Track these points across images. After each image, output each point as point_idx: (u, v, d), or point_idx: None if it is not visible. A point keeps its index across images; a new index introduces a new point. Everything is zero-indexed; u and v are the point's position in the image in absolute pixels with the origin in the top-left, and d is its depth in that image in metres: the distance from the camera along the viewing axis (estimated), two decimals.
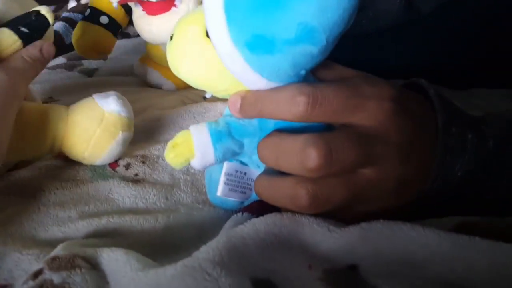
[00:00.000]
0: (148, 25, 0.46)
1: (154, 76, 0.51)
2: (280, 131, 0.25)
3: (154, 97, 0.49)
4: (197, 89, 0.28)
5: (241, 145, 0.27)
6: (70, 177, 0.34)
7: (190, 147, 0.26)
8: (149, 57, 0.52)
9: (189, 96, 0.49)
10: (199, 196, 0.32)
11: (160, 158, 0.36)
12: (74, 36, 0.49)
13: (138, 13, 0.47)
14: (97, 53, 0.51)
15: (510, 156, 0.26)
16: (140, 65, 0.52)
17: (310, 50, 0.22)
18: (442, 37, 0.62)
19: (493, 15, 0.56)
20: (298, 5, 0.20)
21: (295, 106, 0.23)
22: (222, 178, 0.28)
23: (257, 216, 0.26)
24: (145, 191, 0.32)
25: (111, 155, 0.35)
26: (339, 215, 0.25)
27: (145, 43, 0.53)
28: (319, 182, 0.23)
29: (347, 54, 0.55)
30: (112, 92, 0.36)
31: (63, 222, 0.29)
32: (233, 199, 0.28)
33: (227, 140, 0.26)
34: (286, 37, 0.21)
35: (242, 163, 0.28)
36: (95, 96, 0.35)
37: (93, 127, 0.34)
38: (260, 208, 0.27)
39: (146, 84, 0.53)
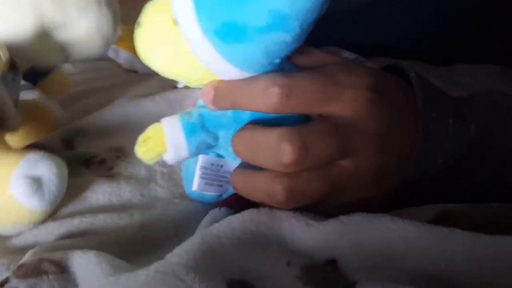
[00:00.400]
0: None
1: (129, 59, 0.49)
2: (255, 123, 0.24)
3: (130, 83, 0.47)
4: None
5: (216, 138, 0.26)
6: None
7: (162, 141, 0.25)
8: (123, 39, 0.50)
9: (166, 80, 0.48)
10: (176, 190, 0.31)
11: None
12: None
13: None
14: None
15: (493, 140, 0.26)
16: (114, 48, 0.50)
17: (284, 38, 0.21)
18: (426, 10, 0.62)
19: None
20: None
21: (269, 97, 0.22)
22: (197, 172, 0.27)
23: (235, 211, 0.25)
24: (120, 187, 0.31)
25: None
26: (318, 207, 0.24)
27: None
28: (295, 176, 0.22)
29: (333, 32, 0.55)
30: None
31: (34, 225, 0.28)
32: (210, 193, 0.28)
33: (201, 133, 0.25)
34: (257, 25, 0.20)
35: (218, 155, 0.28)
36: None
37: None
38: (238, 201, 0.26)
39: (121, 68, 0.51)
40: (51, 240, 0.27)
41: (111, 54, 0.51)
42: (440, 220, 0.23)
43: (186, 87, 0.44)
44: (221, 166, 0.28)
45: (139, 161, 0.34)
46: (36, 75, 0.37)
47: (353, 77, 0.23)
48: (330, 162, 0.23)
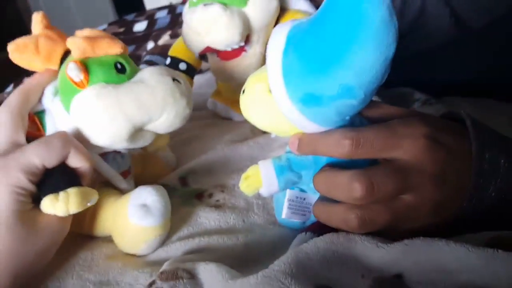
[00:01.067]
0: (223, 68, 0.53)
1: (225, 110, 0.58)
2: (331, 166, 0.31)
3: (227, 128, 0.56)
4: None
5: (300, 176, 0.33)
6: None
7: (258, 178, 0.33)
8: (219, 93, 0.60)
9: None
10: (270, 218, 0.39)
11: (236, 186, 0.43)
12: None
13: (213, 59, 0.54)
14: None
15: None
16: (212, 101, 0.60)
17: (351, 102, 0.27)
18: (496, 51, 0.63)
19: None
20: (339, 71, 0.26)
21: (341, 147, 0.28)
22: (285, 203, 0.34)
23: (318, 235, 0.31)
24: (226, 215, 0.39)
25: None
26: (386, 233, 0.30)
27: (216, 80, 0.61)
28: (365, 208, 0.28)
29: (404, 74, 0.59)
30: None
31: (166, 244, 0.36)
32: (295, 220, 0.35)
33: (288, 173, 0.33)
34: (330, 94, 0.27)
35: (301, 190, 0.34)
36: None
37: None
38: (320, 227, 0.33)
39: (219, 115, 0.61)
40: (178, 255, 0.35)
41: (210, 106, 0.60)
42: (492, 245, 0.27)
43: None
44: (304, 198, 0.35)
45: (239, 194, 0.42)
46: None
47: (411, 128, 0.29)
48: (393, 196, 0.28)
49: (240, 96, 0.34)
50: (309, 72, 0.27)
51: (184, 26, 0.48)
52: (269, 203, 0.41)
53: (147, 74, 0.37)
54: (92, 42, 0.35)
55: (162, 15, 1.05)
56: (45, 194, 0.32)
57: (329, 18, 0.25)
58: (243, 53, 0.51)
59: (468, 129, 0.30)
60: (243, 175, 0.34)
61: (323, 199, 0.32)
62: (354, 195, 0.28)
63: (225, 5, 0.46)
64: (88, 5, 2.82)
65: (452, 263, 0.26)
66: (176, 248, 0.36)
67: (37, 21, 0.39)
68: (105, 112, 0.34)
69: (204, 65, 0.78)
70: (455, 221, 0.30)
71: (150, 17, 1.06)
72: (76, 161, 0.34)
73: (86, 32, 0.37)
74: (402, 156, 0.29)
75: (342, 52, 0.25)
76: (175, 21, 0.97)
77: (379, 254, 0.28)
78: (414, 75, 0.68)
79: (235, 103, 0.59)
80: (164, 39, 0.86)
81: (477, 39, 0.65)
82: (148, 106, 0.35)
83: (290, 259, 0.28)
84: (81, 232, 0.38)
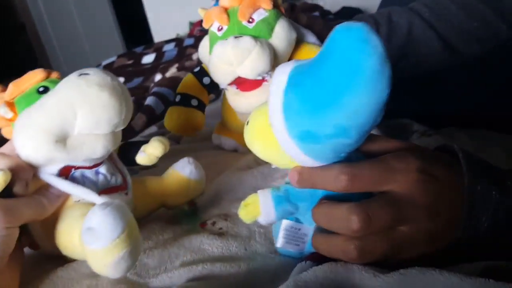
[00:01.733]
0: (247, 99, 0.55)
1: (230, 143, 0.60)
2: (329, 198, 0.32)
3: (232, 158, 0.58)
4: None
5: (297, 207, 0.34)
6: (169, 234, 0.43)
7: (257, 207, 0.34)
8: (224, 126, 0.62)
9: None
10: (271, 247, 0.39)
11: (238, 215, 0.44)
12: (171, 119, 0.58)
13: (232, 91, 0.56)
14: (192, 130, 0.60)
15: None
16: (216, 136, 0.62)
17: (345, 141, 0.29)
18: (495, 84, 0.65)
19: None
20: (333, 113, 0.27)
21: (339, 182, 0.30)
22: (280, 233, 0.36)
23: (317, 264, 0.32)
24: (229, 243, 0.40)
25: None
26: (382, 262, 0.31)
27: (220, 110, 0.63)
28: (363, 239, 0.30)
29: (404, 105, 0.61)
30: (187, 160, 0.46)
31: (170, 270, 0.37)
32: (289, 250, 0.36)
33: (285, 204, 0.34)
34: (326, 133, 0.28)
35: (297, 220, 0.36)
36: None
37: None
38: (319, 257, 0.34)
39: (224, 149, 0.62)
40: (182, 282, 0.36)
41: (214, 141, 0.62)
42: (486, 275, 0.28)
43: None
44: (299, 229, 0.36)
45: (241, 223, 0.43)
46: (130, 161, 0.45)
47: (404, 163, 0.30)
48: (390, 228, 0.30)
49: (245, 127, 0.36)
50: (306, 111, 0.28)
51: (214, 58, 0.51)
52: (271, 232, 0.41)
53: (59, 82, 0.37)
54: (16, 82, 0.39)
55: (169, 47, 1.09)
56: None
57: (325, 63, 0.27)
58: (264, 83, 0.54)
59: (461, 161, 0.32)
60: (243, 203, 0.35)
61: (320, 230, 0.33)
62: (352, 227, 0.29)
63: (254, 37, 0.50)
64: (98, 37, 2.91)
65: None
66: (179, 275, 0.36)
67: None
68: (22, 131, 0.36)
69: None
70: (450, 250, 0.31)
71: (158, 49, 1.10)
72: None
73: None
74: (396, 189, 0.30)
75: (336, 96, 0.27)
76: (182, 53, 1.01)
77: (376, 284, 0.29)
78: (413, 106, 0.69)
79: (240, 136, 0.61)
80: (172, 71, 0.89)
81: (477, 72, 0.67)
82: (55, 110, 0.35)
83: (290, 286, 0.29)
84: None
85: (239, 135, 0.60)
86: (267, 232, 0.42)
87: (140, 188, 0.45)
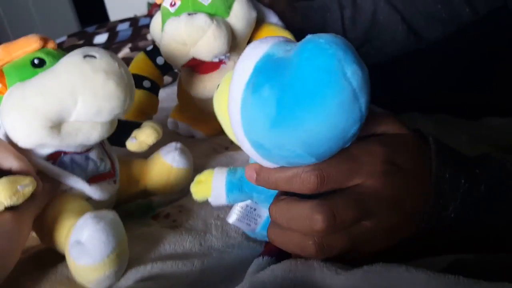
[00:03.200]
0: (202, 83, 0.51)
1: (186, 128, 0.57)
2: (288, 195, 0.29)
3: (188, 146, 0.55)
4: (225, 136, 0.32)
5: (250, 197, 0.32)
6: None
7: (208, 188, 0.32)
8: (180, 111, 0.58)
9: (217, 142, 0.55)
10: (229, 240, 0.37)
11: (195, 206, 0.41)
12: None
13: (188, 73, 0.51)
14: (144, 114, 0.53)
15: (501, 199, 0.29)
16: (172, 121, 0.58)
17: (301, 162, 0.26)
18: (451, 64, 0.65)
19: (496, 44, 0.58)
20: (287, 139, 0.24)
21: (307, 185, 0.27)
22: (234, 209, 0.34)
23: (276, 259, 0.30)
24: (182, 237, 0.37)
25: None
26: (344, 257, 0.29)
27: (178, 97, 0.59)
28: (334, 204, 0.27)
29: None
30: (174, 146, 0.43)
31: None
32: (240, 228, 0.34)
33: (237, 193, 0.32)
34: (279, 153, 0.25)
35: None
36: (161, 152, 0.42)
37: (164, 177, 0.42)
38: (276, 250, 0.31)
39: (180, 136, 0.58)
40: (129, 284, 0.33)
41: (170, 126, 0.58)
42: (452, 269, 0.26)
43: (235, 149, 0.51)
44: (254, 209, 0.33)
45: (196, 215, 0.40)
46: (119, 143, 0.41)
47: (369, 155, 0.28)
48: (352, 224, 0.27)
49: (215, 92, 0.31)
50: (260, 124, 0.24)
51: (165, 36, 0.46)
52: (229, 224, 0.39)
53: (60, 60, 0.33)
54: (6, 47, 0.34)
55: (124, 27, 1.03)
56: None
57: (293, 79, 0.23)
58: (222, 65, 0.50)
59: (430, 146, 0.30)
60: (196, 178, 0.33)
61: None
62: (315, 228, 0.26)
63: (210, 15, 0.45)
64: (50, 16, 2.75)
65: None
66: (126, 277, 0.33)
67: None
68: (13, 110, 0.32)
69: (166, 80, 0.76)
70: (416, 242, 0.29)
71: (112, 29, 1.03)
72: (4, 161, 0.32)
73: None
74: (362, 183, 0.28)
75: (295, 119, 0.23)
76: (137, 33, 0.95)
77: (339, 281, 0.27)
78: (376, 92, 0.68)
79: (197, 121, 0.57)
80: (124, 51, 0.83)
81: (438, 57, 0.66)
82: (55, 94, 0.31)
83: None
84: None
85: (196, 120, 0.56)
86: (224, 225, 0.39)
87: (124, 170, 0.42)
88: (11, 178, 0.30)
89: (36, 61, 0.34)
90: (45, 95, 0.32)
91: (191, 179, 0.34)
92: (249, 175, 0.29)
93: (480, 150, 0.35)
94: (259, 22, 0.52)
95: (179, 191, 0.44)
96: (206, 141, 0.55)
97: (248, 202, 0.33)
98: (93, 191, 0.36)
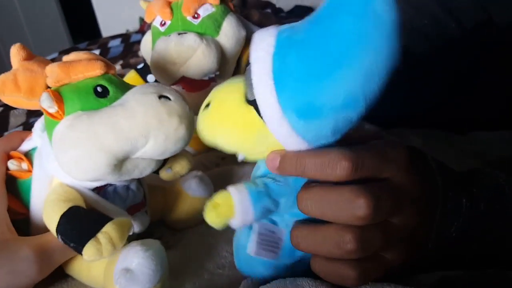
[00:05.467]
0: (192, 101, 0.49)
1: None
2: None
3: None
4: (215, 151, 0.31)
5: (278, 204, 0.28)
6: None
7: (230, 207, 0.27)
8: None
9: (208, 158, 0.55)
10: (219, 260, 0.37)
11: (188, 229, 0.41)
12: None
13: (178, 91, 0.51)
14: None
15: (496, 216, 0.29)
16: None
17: (351, 116, 0.24)
18: (437, 79, 0.66)
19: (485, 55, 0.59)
20: (347, 74, 0.23)
21: (340, 169, 0.25)
22: (254, 237, 0.29)
23: (263, 281, 0.30)
24: (174, 259, 0.36)
25: None
26: (368, 263, 0.27)
27: None
28: (362, 228, 0.25)
29: None
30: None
31: None
32: (263, 258, 0.30)
33: (266, 200, 0.28)
34: (333, 104, 0.24)
35: (271, 221, 0.30)
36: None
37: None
38: None
39: None
40: None
41: None
42: (440, 285, 0.26)
43: (225, 164, 0.51)
44: (273, 232, 0.30)
45: (190, 236, 0.40)
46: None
47: (397, 153, 0.27)
48: (389, 217, 0.26)
49: (201, 112, 0.30)
50: (312, 76, 0.24)
51: (155, 56, 0.46)
52: (221, 243, 0.39)
53: (130, 94, 0.32)
54: (66, 67, 0.32)
55: (115, 43, 1.03)
56: (80, 242, 0.29)
57: (336, 16, 0.23)
58: (212, 83, 0.50)
59: (431, 164, 0.29)
60: (210, 204, 0.28)
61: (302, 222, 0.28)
62: (358, 213, 0.24)
63: (200, 34, 0.46)
64: (42, 32, 2.75)
65: None
66: None
67: (14, 53, 0.34)
68: (78, 145, 0.30)
69: None
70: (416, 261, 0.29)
71: (103, 45, 1.03)
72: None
73: (72, 56, 0.34)
74: (391, 176, 0.27)
75: (353, 53, 0.23)
76: (128, 50, 0.95)
77: None
78: None
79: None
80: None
81: (425, 72, 0.67)
82: (127, 132, 0.30)
83: None
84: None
85: None
86: (216, 244, 0.39)
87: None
88: (118, 222, 0.30)
89: (99, 89, 0.32)
90: (118, 134, 0.30)
91: None
92: (271, 161, 0.27)
93: (468, 165, 0.35)
94: (248, 41, 0.52)
95: (196, 222, 0.41)
96: (195, 157, 0.55)
97: (266, 225, 0.30)
98: (134, 224, 0.35)
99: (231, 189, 0.28)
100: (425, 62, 0.62)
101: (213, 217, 0.28)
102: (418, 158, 0.29)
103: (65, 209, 0.30)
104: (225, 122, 0.28)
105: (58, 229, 0.30)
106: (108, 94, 0.32)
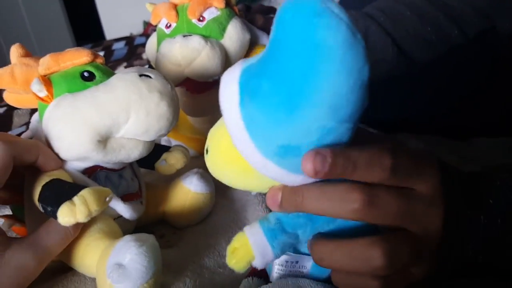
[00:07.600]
0: (196, 103, 0.51)
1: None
2: (323, 234, 0.27)
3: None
4: None
5: (296, 237, 0.28)
6: None
7: (248, 250, 0.27)
8: (174, 129, 0.58)
9: None
10: (220, 259, 0.37)
11: (188, 228, 0.41)
12: None
13: (182, 93, 0.51)
14: None
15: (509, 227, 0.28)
16: (166, 139, 0.58)
17: (339, 137, 0.23)
18: (440, 86, 0.66)
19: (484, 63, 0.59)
20: (310, 112, 0.22)
21: (349, 203, 0.23)
22: (274, 269, 0.30)
23: (265, 280, 0.30)
24: (175, 256, 0.37)
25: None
26: (393, 277, 0.26)
27: None
28: (391, 243, 0.25)
29: None
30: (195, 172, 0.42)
31: None
32: None
33: (282, 236, 0.27)
34: (310, 140, 0.23)
35: (295, 250, 0.29)
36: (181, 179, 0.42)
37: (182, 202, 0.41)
38: (264, 271, 0.31)
39: None
40: None
41: (164, 144, 0.59)
42: None
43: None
44: (297, 261, 0.30)
45: (190, 236, 0.40)
46: (148, 165, 0.41)
47: (428, 160, 0.26)
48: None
49: (205, 156, 0.29)
50: (276, 122, 0.22)
51: (160, 57, 0.47)
52: (221, 243, 0.39)
53: (114, 76, 0.34)
54: (56, 56, 0.34)
55: (119, 46, 1.04)
56: (56, 204, 0.29)
57: (282, 54, 0.22)
58: (216, 86, 0.50)
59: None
60: (229, 248, 0.28)
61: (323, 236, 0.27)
62: (373, 264, 0.24)
63: (204, 36, 0.46)
64: (46, 34, 2.77)
65: None
66: None
67: (13, 51, 0.37)
68: (62, 121, 0.32)
69: None
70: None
71: (107, 48, 1.04)
72: (48, 165, 0.32)
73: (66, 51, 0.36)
74: (419, 188, 0.25)
75: (308, 90, 0.21)
76: (132, 52, 0.96)
77: None
78: (365, 112, 0.69)
79: (190, 139, 0.58)
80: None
81: (428, 79, 0.67)
82: (108, 107, 0.31)
83: None
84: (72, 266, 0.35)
85: (190, 138, 0.57)
86: (215, 244, 0.39)
87: (147, 193, 0.41)
88: (96, 189, 0.30)
89: (86, 74, 0.34)
90: (99, 108, 0.31)
91: (210, 206, 0.32)
92: (271, 197, 0.26)
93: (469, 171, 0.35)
94: (252, 44, 0.53)
95: (197, 219, 0.42)
96: (198, 159, 0.55)
97: (287, 257, 0.29)
98: (125, 210, 0.35)
99: (246, 230, 0.28)
100: (427, 69, 0.62)
101: (235, 263, 0.28)
102: (446, 172, 0.27)
103: (47, 180, 0.32)
104: (225, 167, 0.28)
105: (39, 198, 0.31)
106: (95, 78, 0.34)
